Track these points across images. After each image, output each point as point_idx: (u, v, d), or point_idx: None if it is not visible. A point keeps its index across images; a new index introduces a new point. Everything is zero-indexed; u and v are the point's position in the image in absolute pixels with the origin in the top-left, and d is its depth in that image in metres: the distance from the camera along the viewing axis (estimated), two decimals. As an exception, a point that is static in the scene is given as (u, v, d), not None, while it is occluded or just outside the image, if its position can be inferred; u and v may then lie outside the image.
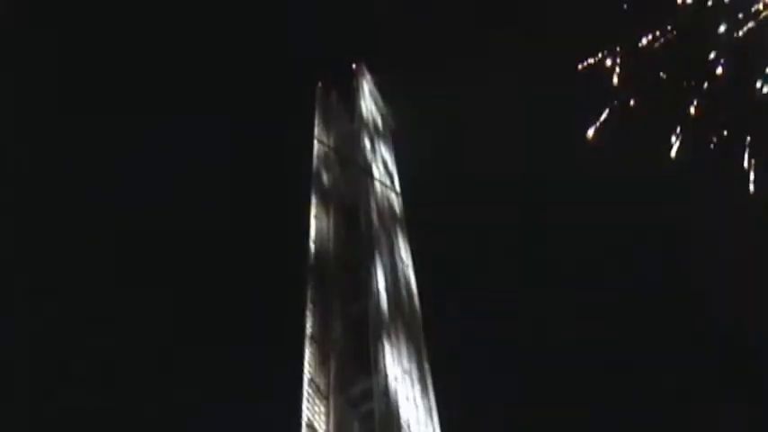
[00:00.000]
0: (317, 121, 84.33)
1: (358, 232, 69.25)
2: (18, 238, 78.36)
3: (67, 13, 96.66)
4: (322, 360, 55.33)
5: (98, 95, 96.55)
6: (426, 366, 64.32)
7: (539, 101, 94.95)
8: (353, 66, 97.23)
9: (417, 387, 60.34)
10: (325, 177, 77.50)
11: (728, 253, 76.92)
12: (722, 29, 67.91)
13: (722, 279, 75.89)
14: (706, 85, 71.94)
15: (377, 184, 76.89)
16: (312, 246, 65.75)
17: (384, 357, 55.56)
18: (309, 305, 58.28)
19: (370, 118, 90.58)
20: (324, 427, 50.41)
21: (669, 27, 72.11)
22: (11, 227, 76.38)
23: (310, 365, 53.49)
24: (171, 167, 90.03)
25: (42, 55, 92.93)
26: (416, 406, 57.95)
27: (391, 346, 58.15)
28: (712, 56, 69.62)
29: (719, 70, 69.23)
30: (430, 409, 60.18)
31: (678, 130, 73.68)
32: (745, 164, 66.62)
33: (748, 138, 67.65)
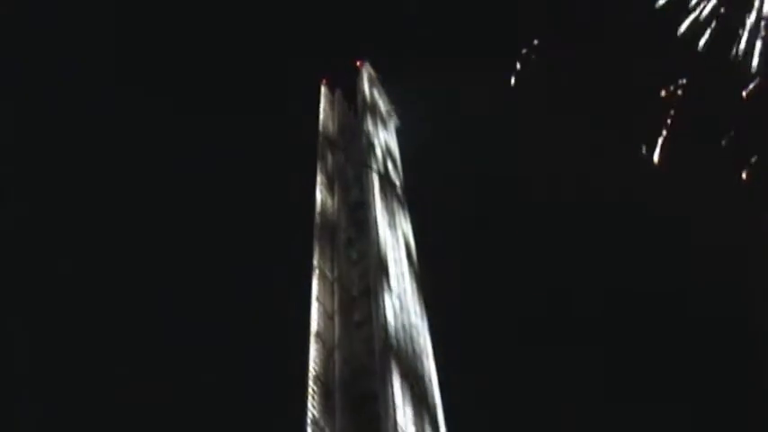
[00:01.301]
0: (321, 117, 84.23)
1: (363, 229, 68.96)
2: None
3: (69, 13, 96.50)
4: (327, 357, 54.82)
5: (102, 93, 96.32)
6: (431, 364, 63.97)
7: (544, 98, 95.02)
8: (358, 63, 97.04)
9: (422, 388, 59.90)
10: (329, 171, 77.21)
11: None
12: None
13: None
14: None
15: (382, 181, 76.53)
16: (317, 244, 65.33)
17: (390, 360, 55.12)
18: (315, 302, 57.84)
19: (375, 115, 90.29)
20: (329, 425, 49.87)
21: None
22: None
23: (315, 363, 52.93)
24: (174, 166, 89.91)
25: (43, 54, 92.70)
26: (420, 412, 57.50)
27: (397, 349, 57.78)
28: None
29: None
30: (434, 415, 59.75)
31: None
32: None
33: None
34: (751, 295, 75.22)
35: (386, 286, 59.88)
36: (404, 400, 53.65)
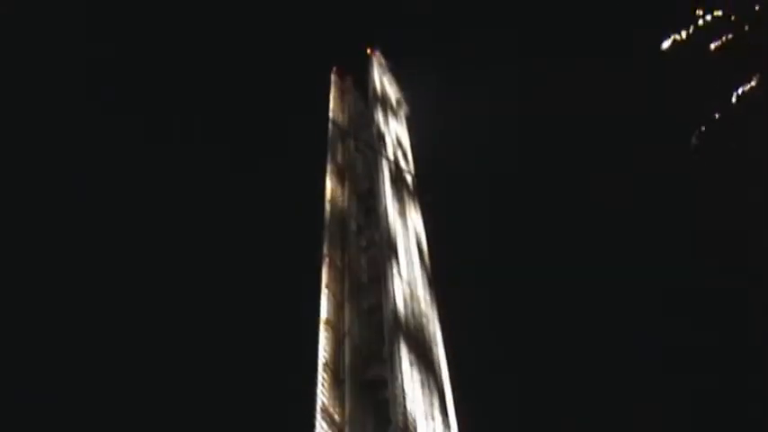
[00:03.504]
0: (331, 106, 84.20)
1: (373, 216, 69.12)
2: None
3: (71, 12, 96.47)
4: (337, 345, 55.06)
5: (125, 81, 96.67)
6: (441, 351, 64.26)
7: (553, 86, 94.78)
8: (368, 51, 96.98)
9: (431, 373, 60.22)
10: (340, 161, 77.25)
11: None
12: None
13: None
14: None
15: (392, 168, 76.58)
16: (327, 232, 65.49)
17: (399, 344, 55.36)
18: (324, 289, 58.05)
19: (385, 103, 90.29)
20: (339, 411, 50.15)
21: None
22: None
23: (325, 350, 53.20)
24: (185, 153, 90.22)
25: (44, 54, 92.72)
26: (430, 391, 57.82)
27: (407, 333, 57.99)
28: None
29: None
30: (442, 394, 60.10)
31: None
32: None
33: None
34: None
35: (396, 272, 60.19)
36: (413, 386, 54.02)
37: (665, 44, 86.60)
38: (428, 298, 68.30)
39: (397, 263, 61.88)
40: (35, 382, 70.08)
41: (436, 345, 64.49)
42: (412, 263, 68.23)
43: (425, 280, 69.81)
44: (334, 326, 56.22)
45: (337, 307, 58.36)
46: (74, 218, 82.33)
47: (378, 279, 60.99)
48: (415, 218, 77.65)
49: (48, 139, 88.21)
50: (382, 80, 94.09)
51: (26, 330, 71.78)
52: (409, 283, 63.70)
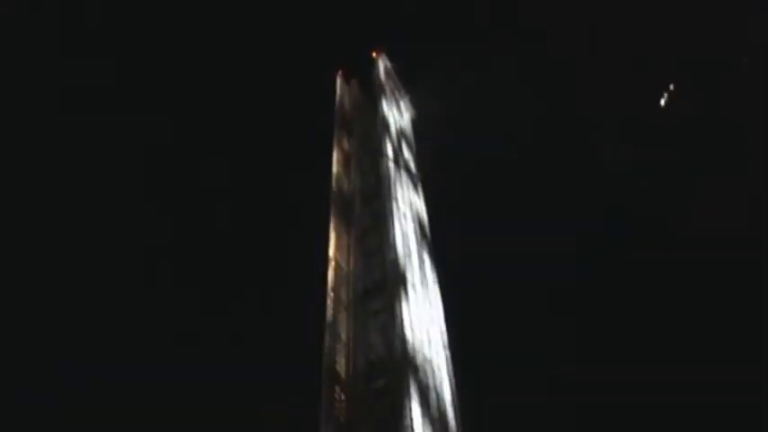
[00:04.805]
0: (336, 108, 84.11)
1: (379, 220, 68.94)
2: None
3: (71, 13, 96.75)
4: (341, 348, 54.98)
5: (126, 83, 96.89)
6: (447, 358, 64.18)
7: (558, 86, 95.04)
8: (374, 53, 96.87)
9: (437, 376, 60.11)
10: (345, 164, 77.14)
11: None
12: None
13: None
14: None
15: (398, 171, 76.43)
16: (332, 236, 65.43)
17: (403, 347, 55.22)
18: (330, 293, 58.00)
19: (391, 105, 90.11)
20: (344, 414, 50.09)
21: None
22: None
23: (329, 353, 53.14)
24: (191, 155, 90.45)
25: (44, 55, 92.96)
26: (437, 394, 57.70)
27: (412, 336, 57.89)
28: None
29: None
30: (452, 393, 60.08)
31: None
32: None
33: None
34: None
35: (401, 278, 60.05)
36: (419, 389, 53.95)
37: (663, 101, 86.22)
38: (433, 299, 68.33)
39: (404, 274, 61.50)
40: (35, 382, 70.31)
41: (444, 347, 64.47)
42: (418, 265, 68.27)
43: (431, 280, 69.96)
44: (339, 329, 56.16)
45: (342, 310, 58.29)
46: (76, 218, 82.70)
47: (382, 284, 60.98)
48: (420, 209, 77.84)
49: (47, 139, 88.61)
50: (387, 81, 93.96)
51: (26, 330, 71.99)
52: (415, 287, 63.63)
